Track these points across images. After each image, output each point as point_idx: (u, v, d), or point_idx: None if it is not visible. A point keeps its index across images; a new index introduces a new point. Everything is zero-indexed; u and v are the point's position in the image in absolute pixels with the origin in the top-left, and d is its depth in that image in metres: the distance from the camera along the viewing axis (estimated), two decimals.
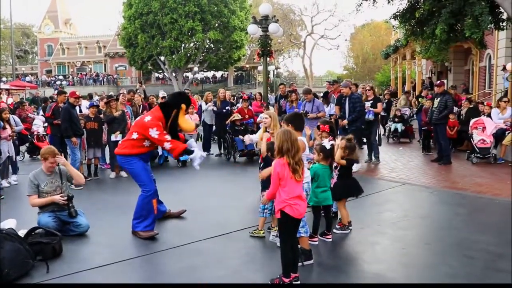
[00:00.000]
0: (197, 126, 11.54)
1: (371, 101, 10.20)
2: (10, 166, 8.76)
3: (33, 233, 4.96)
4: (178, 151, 5.51)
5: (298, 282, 4.09)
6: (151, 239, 5.47)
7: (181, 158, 10.33)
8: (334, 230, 5.51)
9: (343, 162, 5.45)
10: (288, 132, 3.96)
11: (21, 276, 4.30)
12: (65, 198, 5.59)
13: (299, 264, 4.46)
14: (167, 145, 5.47)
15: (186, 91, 13.91)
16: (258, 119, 11.54)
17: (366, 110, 10.12)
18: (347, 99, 9.44)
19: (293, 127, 4.56)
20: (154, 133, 5.41)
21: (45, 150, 5.78)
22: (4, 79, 48.85)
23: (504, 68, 15.19)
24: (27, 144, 11.65)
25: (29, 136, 11.48)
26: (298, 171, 3.88)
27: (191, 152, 5.58)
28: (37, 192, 5.61)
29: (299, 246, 4.63)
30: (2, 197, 7.66)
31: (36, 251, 4.65)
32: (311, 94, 10.14)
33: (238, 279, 4.27)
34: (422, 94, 15.14)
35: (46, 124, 11.78)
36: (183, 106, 5.67)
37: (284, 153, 3.87)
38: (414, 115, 15.13)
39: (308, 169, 5.02)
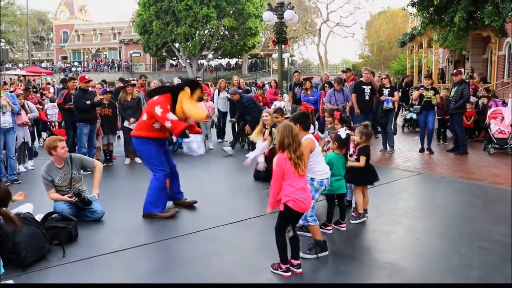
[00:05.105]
0: (209, 117, 11.25)
1: (389, 89, 10.10)
2: (26, 151, 8.88)
3: (49, 218, 5.01)
4: (178, 130, 5.46)
5: (300, 270, 4.08)
6: (170, 218, 5.65)
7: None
8: (351, 221, 5.46)
9: (361, 164, 5.44)
10: (289, 126, 3.90)
11: (37, 260, 4.36)
12: (74, 198, 5.51)
13: (314, 256, 4.43)
14: (168, 124, 5.41)
15: (198, 79, 13.92)
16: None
17: (383, 99, 10.03)
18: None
19: (301, 126, 4.40)
20: (158, 110, 5.46)
21: (48, 142, 5.65)
22: (20, 65, 49.49)
23: None
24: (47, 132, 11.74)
25: (48, 123, 11.62)
26: (300, 165, 3.84)
27: (187, 135, 5.58)
28: (53, 186, 5.62)
29: (311, 236, 4.63)
30: (19, 181, 7.78)
31: (53, 235, 4.70)
32: (341, 84, 10.31)
33: (252, 266, 4.29)
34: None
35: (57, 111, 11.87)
36: (187, 89, 5.61)
37: (285, 147, 3.84)
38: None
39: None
